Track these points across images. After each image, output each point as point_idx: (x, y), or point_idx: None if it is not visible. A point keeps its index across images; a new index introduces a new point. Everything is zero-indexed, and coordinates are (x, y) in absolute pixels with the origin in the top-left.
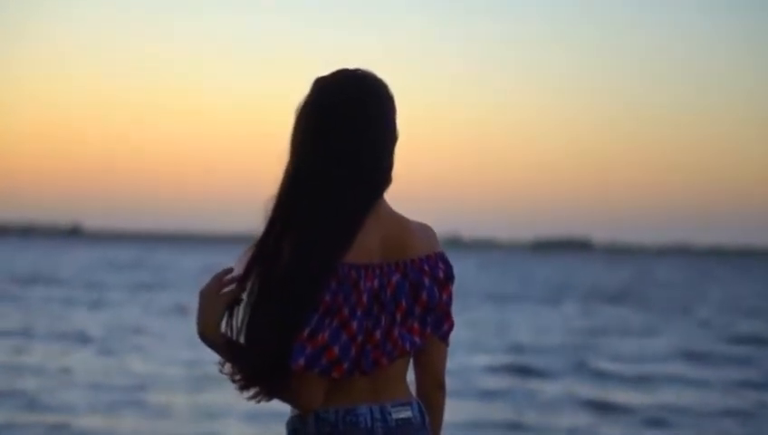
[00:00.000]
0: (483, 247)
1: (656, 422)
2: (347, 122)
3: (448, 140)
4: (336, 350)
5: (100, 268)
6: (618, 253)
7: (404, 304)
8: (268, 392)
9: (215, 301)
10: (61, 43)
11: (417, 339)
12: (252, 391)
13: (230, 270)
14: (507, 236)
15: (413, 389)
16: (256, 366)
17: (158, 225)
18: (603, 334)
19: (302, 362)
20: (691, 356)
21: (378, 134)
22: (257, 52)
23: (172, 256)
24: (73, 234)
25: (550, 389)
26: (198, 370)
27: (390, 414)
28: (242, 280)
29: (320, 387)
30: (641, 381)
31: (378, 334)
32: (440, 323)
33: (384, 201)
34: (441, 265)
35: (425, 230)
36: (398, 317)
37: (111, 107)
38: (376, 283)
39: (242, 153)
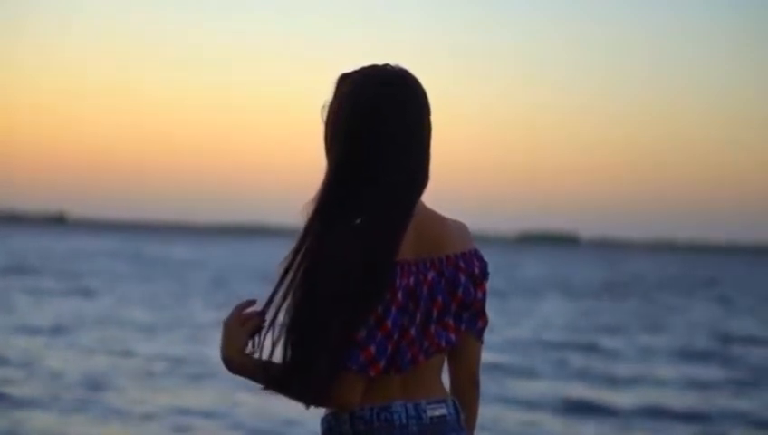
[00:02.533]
0: None
1: (641, 424)
2: (388, 124)
3: (436, 135)
4: (372, 349)
5: (81, 257)
6: (604, 248)
7: (440, 300)
8: (307, 393)
9: (237, 330)
10: (53, 32)
11: (452, 336)
12: (288, 396)
13: (252, 302)
14: (494, 230)
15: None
16: (305, 369)
17: (145, 214)
18: (588, 331)
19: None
20: (679, 354)
21: (419, 134)
22: (253, 48)
23: (160, 247)
24: (59, 222)
25: (531, 387)
26: (156, 364)
27: (425, 412)
28: (268, 302)
29: (358, 385)
30: (625, 381)
31: (413, 332)
32: (475, 320)
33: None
34: (476, 261)
35: (459, 227)
36: (435, 314)
37: (99, 97)
38: (411, 280)
39: (230, 146)
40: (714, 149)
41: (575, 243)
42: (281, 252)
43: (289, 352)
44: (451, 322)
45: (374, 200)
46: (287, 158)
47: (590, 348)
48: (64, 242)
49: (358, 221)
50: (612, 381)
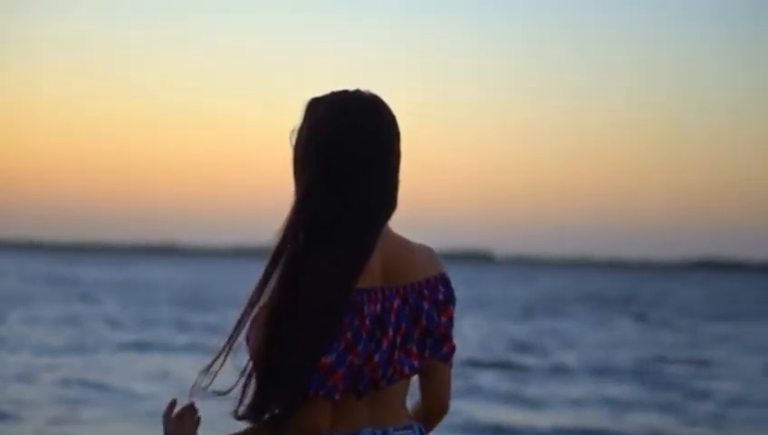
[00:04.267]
0: None
1: None
2: (361, 150)
3: None
4: (341, 373)
5: None
6: (520, 265)
7: (404, 327)
8: (280, 421)
9: (179, 426)
10: None
11: (415, 363)
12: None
13: (173, 403)
14: None
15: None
16: (277, 397)
17: (58, 234)
18: (502, 350)
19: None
20: (594, 372)
21: (390, 160)
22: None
23: (72, 267)
24: None
25: None
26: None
27: None
28: (236, 328)
29: (326, 411)
30: (539, 401)
31: (377, 358)
32: (439, 345)
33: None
34: (441, 287)
35: (426, 252)
36: (398, 341)
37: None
38: (378, 307)
39: (143, 164)
40: (627, 167)
41: (490, 260)
42: (191, 272)
43: (257, 381)
44: (414, 349)
45: (346, 226)
46: (204, 176)
47: (505, 367)
48: None
49: (331, 247)
50: (526, 402)
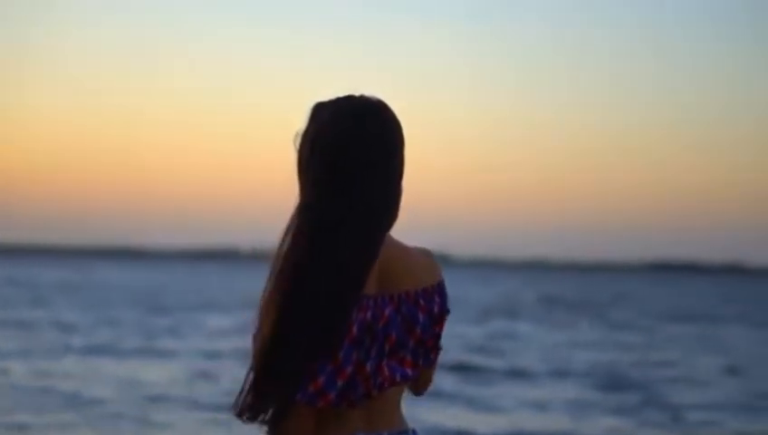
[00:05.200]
0: None
1: None
2: (365, 155)
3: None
4: (321, 380)
5: None
6: (477, 267)
7: (394, 335)
8: (274, 423)
9: None
10: None
11: (408, 371)
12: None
13: None
14: None
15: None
16: (271, 400)
17: (23, 236)
18: (460, 352)
19: None
20: (554, 375)
21: (394, 166)
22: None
23: (32, 270)
24: None
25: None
26: None
27: None
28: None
29: (308, 417)
30: (498, 404)
31: (368, 367)
32: (429, 353)
33: None
34: (437, 298)
35: (425, 258)
36: (387, 349)
37: None
38: (368, 314)
39: (109, 165)
40: (584, 168)
41: (447, 261)
42: (148, 275)
43: (255, 382)
44: (408, 357)
45: (351, 229)
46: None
47: (463, 369)
48: None
49: (335, 252)
50: (485, 404)
